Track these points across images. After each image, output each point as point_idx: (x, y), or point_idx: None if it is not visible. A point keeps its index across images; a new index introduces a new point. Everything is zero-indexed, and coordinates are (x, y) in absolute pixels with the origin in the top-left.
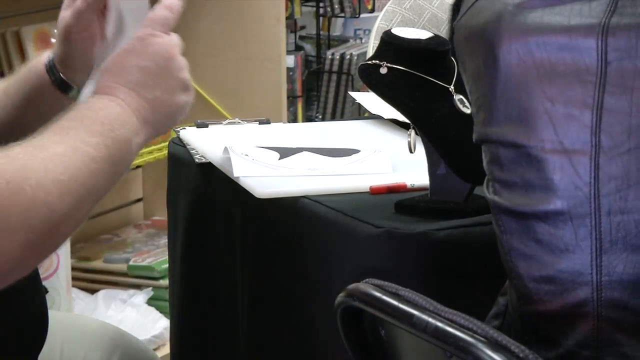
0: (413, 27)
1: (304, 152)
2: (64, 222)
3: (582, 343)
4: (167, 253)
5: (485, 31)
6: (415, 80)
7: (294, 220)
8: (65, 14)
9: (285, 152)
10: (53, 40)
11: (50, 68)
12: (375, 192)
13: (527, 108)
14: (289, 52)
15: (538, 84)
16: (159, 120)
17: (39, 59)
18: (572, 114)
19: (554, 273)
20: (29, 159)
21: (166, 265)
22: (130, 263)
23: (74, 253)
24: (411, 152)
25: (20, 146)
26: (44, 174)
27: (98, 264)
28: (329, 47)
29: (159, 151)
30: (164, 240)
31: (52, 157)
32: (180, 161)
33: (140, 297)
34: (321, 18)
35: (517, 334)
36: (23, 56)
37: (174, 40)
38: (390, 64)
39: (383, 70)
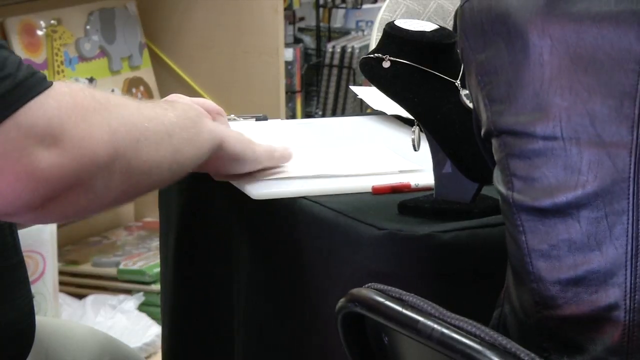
0: (418, 18)
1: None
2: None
3: (610, 349)
4: (158, 256)
5: (509, 16)
6: (420, 75)
7: (292, 222)
8: None
9: None
10: (39, 32)
11: None
12: (377, 192)
13: (559, 98)
14: (287, 45)
15: (573, 72)
16: (233, 134)
17: None
18: (610, 105)
19: (583, 274)
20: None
21: (158, 269)
22: (120, 267)
23: (61, 256)
24: (415, 150)
25: None
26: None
27: (86, 267)
28: (329, 40)
29: None
30: (155, 243)
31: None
32: None
33: (130, 303)
34: (321, 9)
35: (532, 342)
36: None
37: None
38: (394, 57)
39: (386, 64)
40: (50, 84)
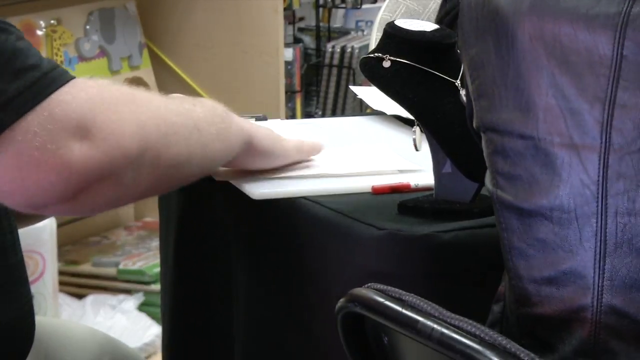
0: (418, 18)
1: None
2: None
3: (578, 350)
4: (158, 256)
5: (497, 13)
6: (420, 74)
7: (292, 222)
8: None
9: None
10: (39, 32)
11: None
12: (377, 192)
13: (537, 98)
14: (287, 45)
15: (550, 73)
16: (261, 130)
17: None
18: (583, 108)
19: (555, 274)
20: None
21: (158, 269)
22: (120, 267)
23: (60, 256)
24: (417, 149)
25: None
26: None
27: (86, 267)
28: (329, 40)
29: None
30: (155, 243)
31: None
32: None
33: (130, 303)
34: (321, 9)
35: (514, 338)
36: None
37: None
38: (394, 57)
39: (386, 64)
40: (74, 77)
